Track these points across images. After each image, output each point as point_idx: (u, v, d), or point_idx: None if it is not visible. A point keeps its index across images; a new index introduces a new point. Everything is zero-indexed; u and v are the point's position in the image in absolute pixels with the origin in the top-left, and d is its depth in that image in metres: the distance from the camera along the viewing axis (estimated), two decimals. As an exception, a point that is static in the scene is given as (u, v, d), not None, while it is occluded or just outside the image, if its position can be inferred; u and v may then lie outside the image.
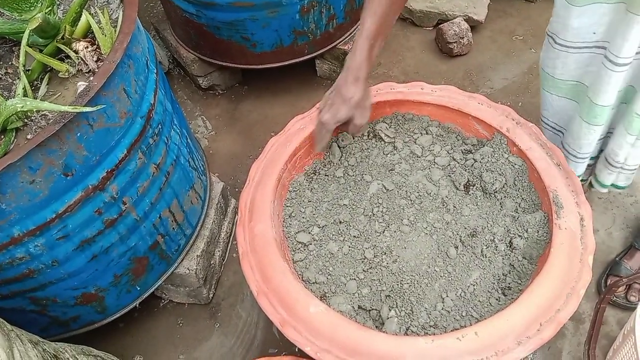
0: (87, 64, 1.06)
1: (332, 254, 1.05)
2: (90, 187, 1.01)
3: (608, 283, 1.36)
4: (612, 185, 1.28)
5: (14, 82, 1.08)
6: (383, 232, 1.06)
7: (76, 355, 1.14)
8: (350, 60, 1.05)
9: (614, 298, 1.33)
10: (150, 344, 1.46)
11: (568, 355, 1.31)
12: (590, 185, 1.35)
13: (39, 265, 1.05)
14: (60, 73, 1.06)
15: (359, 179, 1.15)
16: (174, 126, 1.28)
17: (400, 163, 1.16)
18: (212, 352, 1.43)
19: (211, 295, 1.51)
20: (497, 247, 1.01)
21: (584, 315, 1.37)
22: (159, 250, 1.28)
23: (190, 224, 1.39)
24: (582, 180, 1.31)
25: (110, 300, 1.25)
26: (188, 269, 1.38)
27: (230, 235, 1.62)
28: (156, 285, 1.33)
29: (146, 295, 1.32)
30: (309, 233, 1.09)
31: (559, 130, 1.34)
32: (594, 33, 1.07)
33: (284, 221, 1.11)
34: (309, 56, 1.83)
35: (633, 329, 1.00)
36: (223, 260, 1.58)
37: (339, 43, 1.86)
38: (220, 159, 1.87)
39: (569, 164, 1.27)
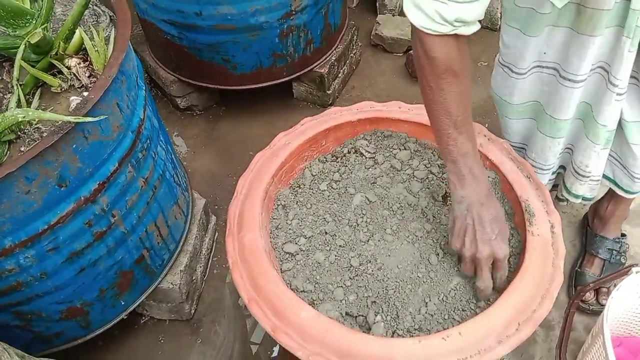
0: (79, 80, 1.09)
1: (319, 263, 1.09)
2: (82, 198, 1.03)
3: (583, 257, 1.46)
4: (583, 197, 1.37)
5: (5, 96, 1.09)
6: (367, 241, 1.11)
7: (61, 370, 1.14)
8: (474, 189, 0.95)
9: (590, 307, 1.41)
10: (131, 361, 1.45)
11: (540, 360, 1.38)
12: (558, 199, 1.43)
13: (27, 277, 1.05)
14: (53, 88, 1.08)
15: (342, 191, 1.20)
16: (160, 142, 1.31)
17: (382, 176, 1.21)
18: (193, 368, 1.44)
19: (193, 311, 1.52)
20: (475, 253, 1.07)
21: (554, 322, 1.44)
22: (144, 264, 1.29)
23: (174, 239, 1.41)
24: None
25: (95, 315, 1.25)
26: (172, 283, 1.39)
27: (211, 251, 1.64)
28: (140, 300, 1.34)
29: (130, 309, 1.32)
30: (296, 244, 1.12)
31: (521, 148, 1.43)
32: (545, 53, 1.16)
33: (271, 233, 1.15)
34: (287, 78, 1.89)
35: (602, 328, 1.07)
36: (204, 277, 1.60)
37: (315, 66, 1.93)
38: (199, 178, 1.90)
39: None
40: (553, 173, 1.40)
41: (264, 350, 1.47)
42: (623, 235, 1.51)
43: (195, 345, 1.48)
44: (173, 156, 1.42)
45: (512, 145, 1.41)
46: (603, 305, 1.38)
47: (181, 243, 1.45)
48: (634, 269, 1.15)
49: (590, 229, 1.53)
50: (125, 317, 1.33)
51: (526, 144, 1.39)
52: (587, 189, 1.34)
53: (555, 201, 1.43)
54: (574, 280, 1.48)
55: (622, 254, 1.48)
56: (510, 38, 1.18)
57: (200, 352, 1.47)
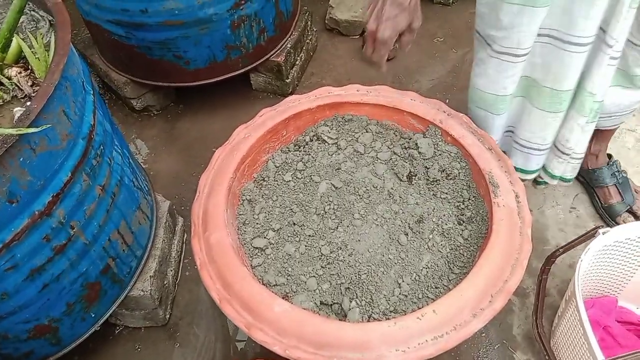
0: (22, 90, 1.04)
1: (290, 255, 1.07)
2: (36, 213, 0.98)
3: (596, 193, 1.51)
4: (560, 178, 1.35)
5: (-57, 113, 1.04)
6: (336, 228, 1.10)
7: (34, 391, 1.10)
8: None
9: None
10: (108, 373, 1.42)
11: (518, 329, 1.39)
12: (537, 182, 1.42)
13: (-14, 300, 1.00)
14: (-6, 100, 1.03)
15: (307, 180, 1.18)
16: (115, 147, 1.26)
17: (346, 162, 1.20)
18: (174, 373, 1.42)
19: (168, 316, 1.49)
20: (443, 229, 1.07)
21: (528, 290, 1.46)
22: (111, 273, 1.25)
23: (140, 245, 1.37)
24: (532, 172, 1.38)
25: (65, 330, 1.21)
26: (142, 290, 1.35)
27: (181, 254, 1.61)
28: (111, 310, 1.30)
29: (102, 321, 1.28)
30: (265, 238, 1.11)
31: (509, 132, 1.36)
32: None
33: (238, 229, 1.13)
34: (243, 70, 1.85)
35: (574, 293, 1.08)
36: (176, 280, 1.56)
37: (271, 55, 1.89)
38: (163, 179, 1.85)
39: (528, 158, 1.31)
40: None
41: (249, 345, 1.45)
42: (609, 156, 1.56)
43: (174, 350, 1.45)
44: (131, 160, 1.37)
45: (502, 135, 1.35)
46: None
47: (148, 248, 1.41)
48: (600, 231, 1.16)
49: (582, 168, 1.50)
50: (98, 328, 1.29)
51: (515, 127, 1.32)
52: (568, 168, 1.31)
53: (533, 184, 1.42)
54: (608, 216, 1.53)
55: (621, 171, 1.53)
56: (512, 17, 1.08)
57: (180, 355, 1.44)
